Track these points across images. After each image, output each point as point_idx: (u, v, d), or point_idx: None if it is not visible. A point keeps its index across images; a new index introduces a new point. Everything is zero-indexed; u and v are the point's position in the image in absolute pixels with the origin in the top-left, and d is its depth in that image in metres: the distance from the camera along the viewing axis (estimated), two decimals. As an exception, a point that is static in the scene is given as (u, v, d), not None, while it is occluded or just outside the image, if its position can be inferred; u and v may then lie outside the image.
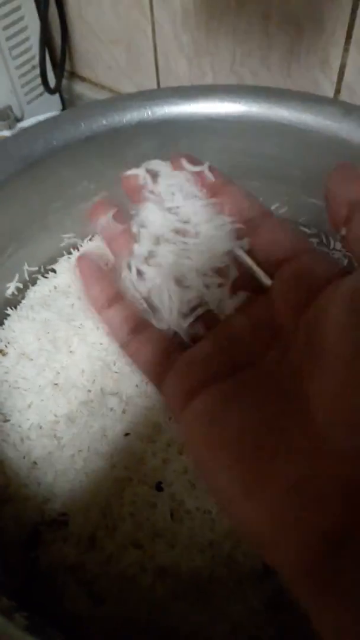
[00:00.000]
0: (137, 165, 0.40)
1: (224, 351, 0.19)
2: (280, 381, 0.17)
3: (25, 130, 0.37)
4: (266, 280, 0.20)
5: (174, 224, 0.22)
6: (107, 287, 0.22)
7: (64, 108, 0.64)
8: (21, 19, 0.55)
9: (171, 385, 0.19)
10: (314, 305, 0.17)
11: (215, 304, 0.21)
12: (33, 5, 0.55)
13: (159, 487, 0.32)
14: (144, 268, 0.22)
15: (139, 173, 0.24)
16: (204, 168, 0.23)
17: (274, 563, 0.15)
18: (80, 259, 0.23)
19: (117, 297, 0.22)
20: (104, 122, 0.37)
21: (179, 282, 0.21)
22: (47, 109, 0.61)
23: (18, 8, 0.54)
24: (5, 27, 0.54)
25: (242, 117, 0.37)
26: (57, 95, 0.62)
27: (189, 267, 0.21)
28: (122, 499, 0.32)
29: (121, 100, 0.38)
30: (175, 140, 0.39)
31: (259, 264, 0.21)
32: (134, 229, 0.23)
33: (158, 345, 0.20)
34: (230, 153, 0.40)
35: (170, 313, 0.21)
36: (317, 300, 0.18)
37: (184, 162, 0.24)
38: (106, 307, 0.22)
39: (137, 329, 0.21)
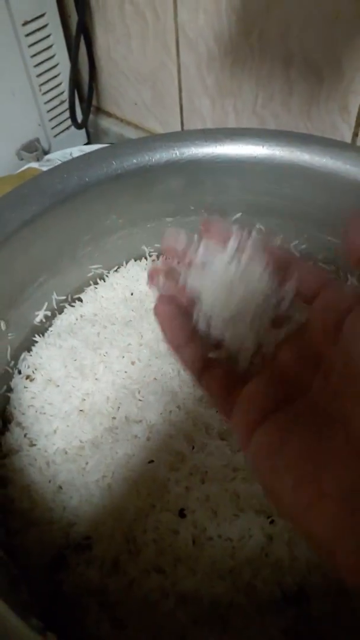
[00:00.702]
0: (164, 200, 0.42)
1: (275, 385, 0.22)
2: (326, 405, 0.20)
3: (59, 166, 0.39)
4: (302, 316, 0.23)
5: (224, 284, 0.24)
6: (182, 328, 0.24)
7: (89, 142, 0.67)
8: (52, 57, 0.58)
9: (236, 420, 0.22)
10: (344, 331, 0.20)
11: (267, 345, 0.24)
12: (64, 45, 0.58)
13: (181, 514, 0.33)
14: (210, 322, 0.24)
15: (177, 237, 0.26)
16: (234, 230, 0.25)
17: (337, 568, 0.17)
18: (159, 300, 0.25)
19: (191, 336, 0.24)
20: (134, 160, 0.39)
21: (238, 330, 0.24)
22: (73, 142, 0.64)
23: (49, 47, 0.57)
24: (37, 65, 0.57)
25: (265, 159, 0.39)
26: (83, 130, 0.65)
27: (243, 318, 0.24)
28: (146, 524, 0.33)
29: (151, 140, 0.40)
30: (201, 179, 0.41)
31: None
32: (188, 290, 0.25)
33: (224, 381, 0.23)
34: (253, 192, 0.42)
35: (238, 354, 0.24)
36: (344, 326, 0.20)
37: (214, 226, 0.25)
38: (183, 346, 0.24)
39: (207, 365, 0.24)
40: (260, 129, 0.40)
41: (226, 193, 0.42)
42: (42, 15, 0.54)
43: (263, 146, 0.39)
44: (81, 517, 0.34)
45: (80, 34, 0.55)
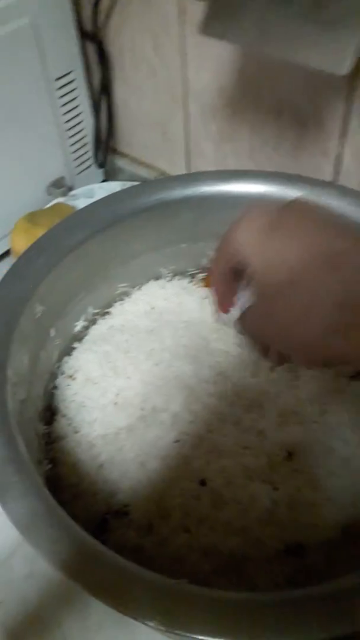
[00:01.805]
0: (179, 230, 0.51)
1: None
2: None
3: (96, 202, 0.47)
4: None
5: None
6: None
7: (105, 179, 0.76)
8: (77, 106, 0.67)
9: None
10: None
11: None
12: (87, 96, 0.68)
13: (202, 483, 0.41)
14: None
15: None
16: None
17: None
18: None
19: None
20: (157, 197, 0.48)
21: None
22: (92, 180, 0.73)
23: (75, 98, 0.66)
24: (64, 113, 0.66)
25: (263, 195, 0.48)
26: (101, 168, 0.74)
27: None
28: (174, 493, 0.40)
29: (170, 181, 0.49)
30: (210, 212, 0.50)
31: None
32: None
33: None
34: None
35: None
36: None
37: None
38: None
39: None
40: (259, 170, 0.49)
41: (230, 224, 0.51)
42: (70, 72, 0.63)
43: (261, 184, 0.48)
44: (120, 489, 0.41)
45: (104, 88, 0.65)
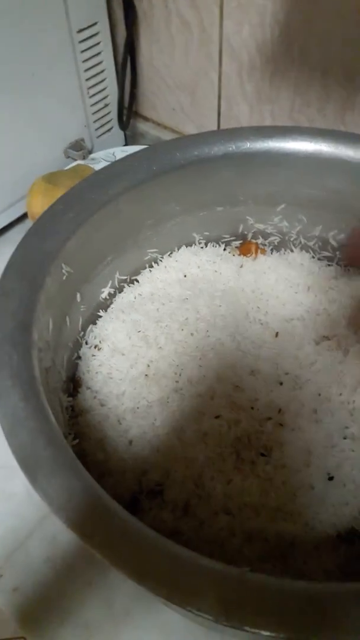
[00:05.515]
0: (217, 191, 0.47)
1: None
2: None
3: (130, 155, 0.43)
4: None
5: None
6: None
7: (126, 144, 0.71)
8: (100, 63, 0.62)
9: None
10: None
11: None
12: (111, 52, 0.63)
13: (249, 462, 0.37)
14: None
15: None
16: None
17: None
18: None
19: None
20: (196, 152, 0.44)
21: None
22: (112, 144, 0.69)
23: (98, 53, 0.62)
24: (87, 69, 0.61)
25: (312, 154, 0.44)
26: (121, 132, 0.69)
27: None
28: (213, 472, 0.37)
29: (210, 135, 0.44)
30: (252, 172, 0.46)
31: None
32: None
33: None
34: (298, 185, 0.46)
35: None
36: None
37: None
38: None
39: None
40: (309, 127, 0.45)
41: (273, 185, 0.47)
42: (94, 24, 0.59)
43: (311, 142, 0.43)
44: (153, 466, 0.38)
45: (129, 46, 0.60)
